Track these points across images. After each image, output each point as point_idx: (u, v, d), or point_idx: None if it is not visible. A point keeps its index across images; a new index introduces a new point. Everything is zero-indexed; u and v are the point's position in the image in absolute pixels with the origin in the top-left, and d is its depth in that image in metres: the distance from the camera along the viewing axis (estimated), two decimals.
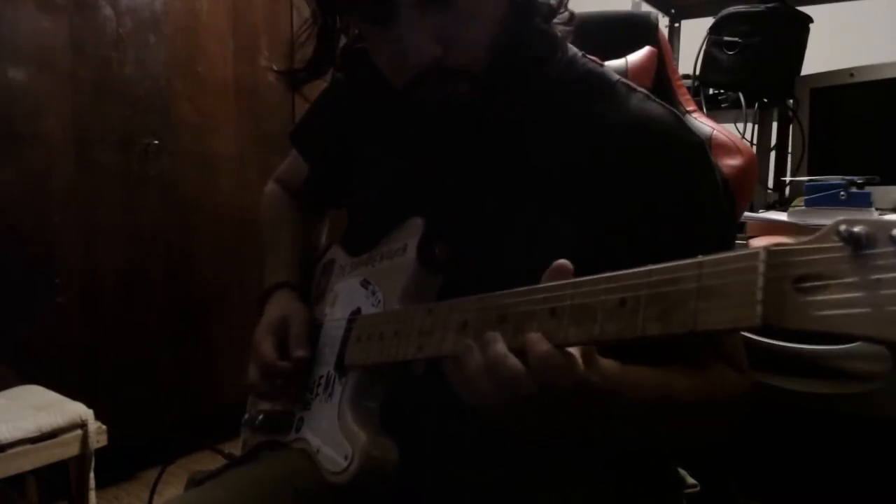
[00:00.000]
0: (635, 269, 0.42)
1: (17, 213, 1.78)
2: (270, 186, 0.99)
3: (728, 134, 0.97)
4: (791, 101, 1.55)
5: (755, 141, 1.61)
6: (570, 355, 0.45)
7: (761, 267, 0.35)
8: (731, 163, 0.93)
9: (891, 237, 0.30)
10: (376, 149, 0.78)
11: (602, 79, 0.68)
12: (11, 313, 1.76)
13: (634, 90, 0.67)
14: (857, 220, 0.31)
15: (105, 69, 1.93)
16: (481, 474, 0.66)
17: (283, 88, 2.36)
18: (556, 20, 0.67)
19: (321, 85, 0.85)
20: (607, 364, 0.50)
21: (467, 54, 0.61)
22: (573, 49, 0.71)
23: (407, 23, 0.58)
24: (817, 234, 0.33)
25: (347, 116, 0.82)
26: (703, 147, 0.65)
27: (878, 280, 0.30)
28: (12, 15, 1.73)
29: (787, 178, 1.57)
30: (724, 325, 0.36)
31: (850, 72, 1.41)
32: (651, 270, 0.41)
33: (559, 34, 0.67)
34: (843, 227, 0.31)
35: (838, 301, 0.31)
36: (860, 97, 1.42)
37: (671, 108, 0.66)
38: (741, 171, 0.92)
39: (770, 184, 1.66)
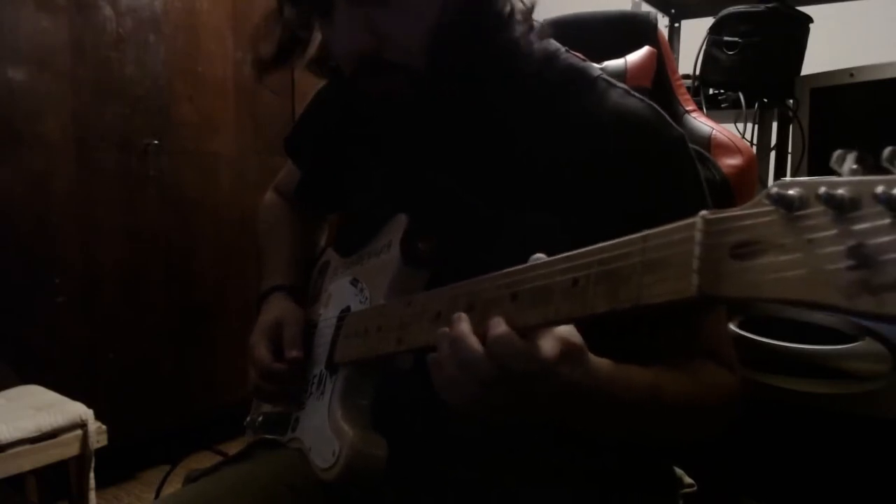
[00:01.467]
0: (588, 248, 0.41)
1: (17, 213, 1.78)
2: (269, 195, 1.00)
3: (728, 134, 0.96)
4: (791, 101, 1.54)
5: (755, 141, 1.61)
6: (532, 341, 0.45)
7: (698, 236, 0.34)
8: (731, 163, 0.93)
9: (818, 196, 0.29)
10: (363, 150, 0.79)
11: (583, 74, 0.68)
12: (11, 313, 1.76)
13: (615, 86, 0.67)
14: (789, 183, 0.31)
15: (105, 69, 1.93)
16: (473, 472, 0.66)
17: (283, 88, 2.37)
18: (518, 19, 0.66)
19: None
20: (599, 363, 0.50)
21: (404, 49, 0.62)
22: (555, 45, 0.70)
23: (342, 13, 0.61)
24: (753, 199, 0.32)
25: (335, 120, 0.83)
26: (683, 140, 0.65)
27: (811, 240, 0.29)
28: (12, 15, 1.73)
29: (787, 179, 1.56)
30: (664, 297, 0.35)
31: (850, 72, 1.41)
32: (602, 248, 0.40)
33: (519, 33, 0.66)
34: (774, 190, 0.30)
35: (773, 264, 0.30)
36: (860, 97, 1.42)
37: (651, 103, 0.66)
38: (741, 171, 0.92)
39: (770, 184, 1.65)
